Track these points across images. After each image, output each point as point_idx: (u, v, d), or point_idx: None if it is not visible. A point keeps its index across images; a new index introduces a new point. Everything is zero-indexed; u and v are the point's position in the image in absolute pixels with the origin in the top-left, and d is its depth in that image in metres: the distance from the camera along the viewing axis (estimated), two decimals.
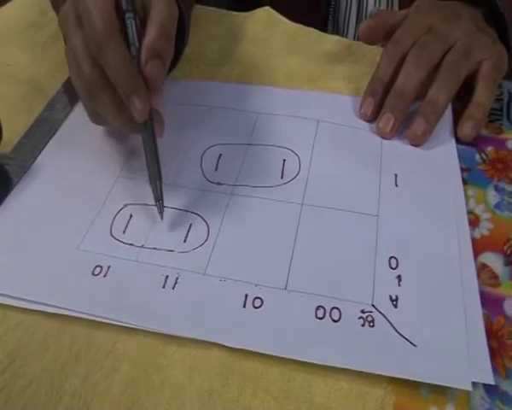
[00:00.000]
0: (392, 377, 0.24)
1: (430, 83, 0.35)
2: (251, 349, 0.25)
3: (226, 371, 0.25)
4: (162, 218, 0.30)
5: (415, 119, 0.35)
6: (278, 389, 0.25)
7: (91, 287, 0.28)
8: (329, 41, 0.44)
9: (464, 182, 0.33)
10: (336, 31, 0.52)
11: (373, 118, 0.37)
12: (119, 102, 0.30)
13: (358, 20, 0.51)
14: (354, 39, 0.49)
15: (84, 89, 0.30)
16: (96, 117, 0.33)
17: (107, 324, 0.27)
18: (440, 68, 0.35)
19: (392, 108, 0.35)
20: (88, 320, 0.27)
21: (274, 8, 0.46)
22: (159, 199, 0.30)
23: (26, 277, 0.29)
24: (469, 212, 0.31)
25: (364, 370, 0.24)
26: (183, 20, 0.36)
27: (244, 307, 0.27)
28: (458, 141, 0.35)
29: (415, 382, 0.24)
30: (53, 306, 0.27)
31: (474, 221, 0.31)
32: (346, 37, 0.51)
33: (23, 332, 0.27)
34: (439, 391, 0.24)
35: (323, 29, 0.46)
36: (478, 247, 0.29)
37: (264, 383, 0.25)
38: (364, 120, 0.37)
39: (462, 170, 0.34)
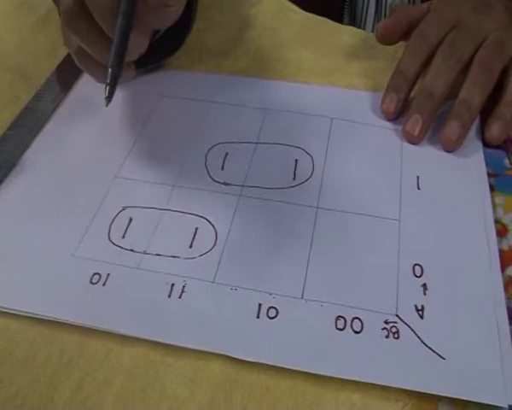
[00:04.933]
0: (411, 393, 0.26)
1: (461, 82, 0.36)
2: (267, 363, 0.27)
3: (230, 384, 0.26)
4: (107, 105, 0.30)
5: (448, 122, 0.36)
6: (287, 405, 0.26)
7: (90, 297, 0.29)
8: (345, 33, 0.45)
9: (491, 188, 0.34)
10: (353, 23, 0.54)
11: (395, 116, 0.38)
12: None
13: (378, 11, 0.52)
14: (373, 32, 0.51)
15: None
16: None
17: (100, 331, 0.28)
18: (472, 66, 0.36)
19: (420, 108, 0.36)
20: (79, 327, 0.28)
21: None
22: (108, 83, 0.29)
23: (14, 286, 0.30)
24: (496, 221, 0.32)
25: (391, 384, 0.26)
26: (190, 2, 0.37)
27: (258, 317, 0.28)
28: (485, 144, 0.37)
29: (434, 399, 0.25)
30: (46, 317, 0.28)
31: (501, 231, 0.32)
32: (364, 29, 0.52)
33: (8, 339, 0.28)
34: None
35: (339, 21, 0.47)
36: (505, 259, 0.31)
37: (271, 398, 0.26)
38: (386, 118, 0.38)
39: (489, 175, 0.35)
